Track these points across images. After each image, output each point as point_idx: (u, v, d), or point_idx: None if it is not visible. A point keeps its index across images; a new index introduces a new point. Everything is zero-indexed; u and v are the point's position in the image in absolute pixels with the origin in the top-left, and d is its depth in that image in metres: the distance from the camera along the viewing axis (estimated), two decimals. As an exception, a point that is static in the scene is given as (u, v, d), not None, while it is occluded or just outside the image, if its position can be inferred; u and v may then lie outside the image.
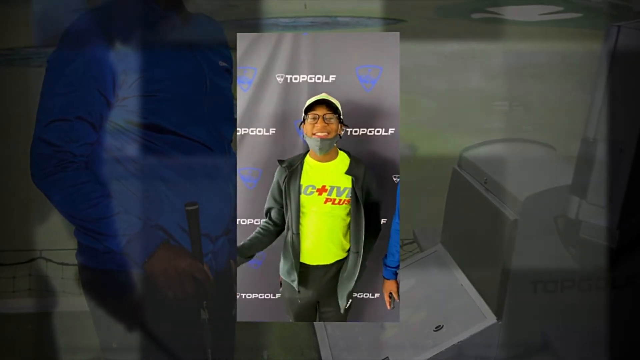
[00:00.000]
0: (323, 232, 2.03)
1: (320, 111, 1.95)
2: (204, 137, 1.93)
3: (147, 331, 1.97)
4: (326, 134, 1.94)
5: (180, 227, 1.90)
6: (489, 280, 2.34)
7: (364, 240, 2.00)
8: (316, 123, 1.95)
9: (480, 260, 2.47)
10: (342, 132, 2.00)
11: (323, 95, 2.00)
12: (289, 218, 2.03)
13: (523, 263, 2.23)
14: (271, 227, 2.09)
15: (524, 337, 2.30)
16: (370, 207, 2.01)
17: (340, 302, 2.07)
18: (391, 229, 2.06)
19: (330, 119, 1.95)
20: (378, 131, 2.19)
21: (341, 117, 1.99)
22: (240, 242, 2.02)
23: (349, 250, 2.05)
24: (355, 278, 2.03)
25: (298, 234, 2.02)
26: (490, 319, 2.28)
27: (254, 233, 2.08)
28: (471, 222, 2.62)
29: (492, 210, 2.36)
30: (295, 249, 2.03)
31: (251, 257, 2.08)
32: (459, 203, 2.73)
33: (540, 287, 2.26)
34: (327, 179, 2.00)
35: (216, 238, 1.95)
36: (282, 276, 2.11)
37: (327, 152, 1.99)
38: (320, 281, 2.07)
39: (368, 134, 2.18)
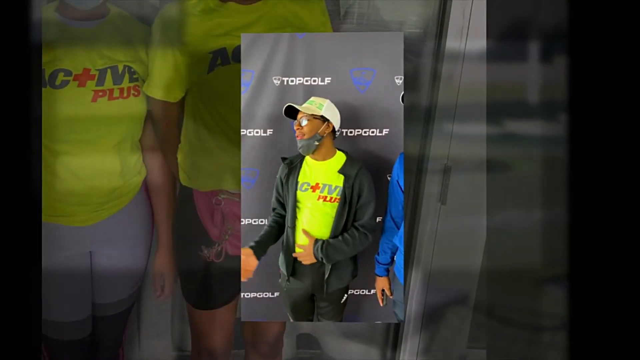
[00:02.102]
0: (315, 227, 2.06)
1: (298, 115, 2.01)
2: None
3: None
4: (302, 135, 2.00)
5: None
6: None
7: (355, 237, 2.03)
8: (297, 127, 2.02)
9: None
10: (335, 133, 2.05)
11: (297, 104, 2.03)
12: (286, 212, 2.09)
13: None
14: (280, 220, 2.12)
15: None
16: (362, 206, 2.05)
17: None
18: (383, 226, 2.08)
19: (304, 121, 1.99)
20: (372, 132, 2.19)
21: (323, 116, 2.02)
22: (248, 242, 2.02)
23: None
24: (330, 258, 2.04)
25: (293, 228, 2.07)
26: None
27: (265, 228, 2.10)
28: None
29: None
30: (289, 242, 2.08)
31: (264, 253, 2.07)
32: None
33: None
34: (320, 177, 2.05)
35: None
36: (280, 268, 2.14)
37: (311, 151, 2.04)
38: (316, 274, 2.09)
39: (363, 134, 2.19)
